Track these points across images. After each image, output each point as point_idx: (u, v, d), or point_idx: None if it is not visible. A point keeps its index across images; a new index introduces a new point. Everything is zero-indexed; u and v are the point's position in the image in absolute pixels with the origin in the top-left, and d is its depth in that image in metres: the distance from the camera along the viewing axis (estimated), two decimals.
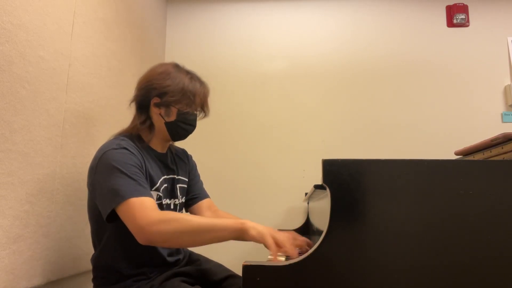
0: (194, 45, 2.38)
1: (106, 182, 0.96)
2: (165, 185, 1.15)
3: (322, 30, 2.35)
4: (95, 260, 1.11)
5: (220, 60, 2.35)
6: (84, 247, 1.35)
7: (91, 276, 1.49)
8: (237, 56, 2.35)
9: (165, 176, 1.16)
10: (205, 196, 1.33)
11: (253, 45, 2.36)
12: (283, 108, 2.27)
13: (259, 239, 0.87)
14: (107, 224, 1.02)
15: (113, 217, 0.95)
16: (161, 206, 1.11)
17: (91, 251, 1.39)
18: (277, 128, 2.26)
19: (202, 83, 1.18)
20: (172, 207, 1.18)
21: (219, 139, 2.27)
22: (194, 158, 1.42)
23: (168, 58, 2.37)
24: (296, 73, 2.31)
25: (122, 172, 0.96)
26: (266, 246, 0.87)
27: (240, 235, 0.89)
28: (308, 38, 2.34)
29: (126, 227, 0.94)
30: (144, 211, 0.90)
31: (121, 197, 0.92)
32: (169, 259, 1.12)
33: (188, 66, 2.38)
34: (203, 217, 0.97)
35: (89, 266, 1.38)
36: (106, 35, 1.54)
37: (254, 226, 0.89)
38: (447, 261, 0.74)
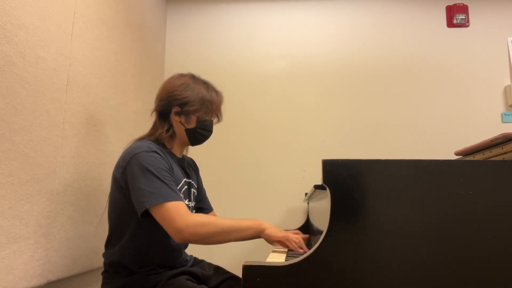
0: (194, 45, 2.39)
1: (140, 184, 1.04)
2: (185, 187, 1.24)
3: (322, 30, 2.35)
4: (109, 257, 1.15)
5: (220, 60, 2.36)
6: (84, 247, 1.35)
7: (91, 276, 1.49)
8: (237, 56, 2.35)
9: (185, 179, 1.25)
10: (211, 209, 1.48)
11: (253, 45, 2.36)
12: (283, 108, 2.27)
13: (272, 237, 1.06)
14: (130, 225, 1.12)
15: (147, 214, 1.04)
16: None
17: (91, 251, 1.39)
18: (277, 128, 2.26)
19: (217, 92, 1.29)
20: (188, 208, 1.24)
21: (219, 139, 2.27)
22: (193, 158, 1.45)
23: (168, 58, 2.37)
24: (296, 73, 2.31)
25: (155, 175, 1.04)
26: (278, 243, 1.07)
27: (259, 234, 1.07)
28: (308, 38, 2.35)
29: (149, 230, 1.08)
30: (181, 214, 1.01)
31: (155, 200, 1.01)
32: (179, 261, 1.22)
33: (188, 66, 2.38)
34: (229, 219, 1.07)
35: (89, 266, 1.39)
36: (106, 35, 1.54)
37: (268, 226, 1.08)
38: (447, 261, 0.74)
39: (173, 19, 2.43)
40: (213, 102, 1.25)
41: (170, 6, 2.45)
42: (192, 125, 1.23)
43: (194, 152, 2.18)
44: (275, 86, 2.30)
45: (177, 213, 1.01)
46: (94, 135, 1.43)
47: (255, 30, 2.38)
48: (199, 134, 1.25)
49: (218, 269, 1.31)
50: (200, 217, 1.04)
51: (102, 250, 1.45)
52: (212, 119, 1.28)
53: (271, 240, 1.09)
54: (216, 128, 2.24)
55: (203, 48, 2.38)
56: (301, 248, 1.13)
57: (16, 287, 1.01)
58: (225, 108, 2.27)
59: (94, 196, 1.41)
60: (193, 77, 1.26)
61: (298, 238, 1.12)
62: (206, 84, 1.27)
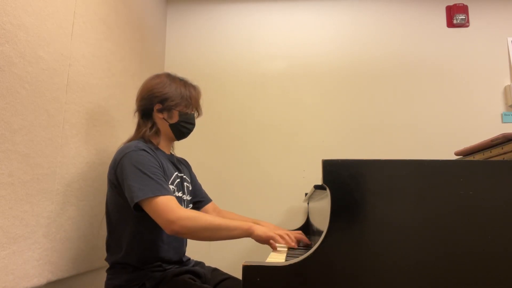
0: (194, 45, 2.38)
1: (130, 181, 1.09)
2: (178, 180, 1.29)
3: (322, 30, 2.35)
4: (113, 257, 1.18)
5: (220, 60, 2.35)
6: (84, 247, 1.35)
7: (91, 276, 1.49)
8: (237, 56, 2.35)
9: (177, 173, 1.30)
10: (210, 200, 1.52)
11: (253, 45, 2.36)
12: (283, 108, 2.27)
13: (264, 238, 1.07)
14: (130, 221, 1.15)
15: (139, 208, 1.09)
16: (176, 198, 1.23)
17: (91, 251, 1.39)
18: (277, 128, 2.25)
19: (194, 87, 1.34)
20: (182, 200, 1.29)
21: (219, 139, 2.27)
22: (194, 158, 1.47)
23: (168, 58, 2.37)
24: (296, 73, 2.31)
25: (144, 172, 1.09)
26: (271, 241, 1.08)
27: (249, 234, 1.08)
28: (308, 38, 2.34)
29: (149, 225, 1.10)
30: (172, 207, 1.05)
31: (144, 194, 1.06)
32: (182, 254, 1.29)
33: (188, 66, 2.38)
34: (219, 217, 1.11)
35: (89, 266, 1.39)
36: (106, 35, 1.54)
37: (257, 229, 1.08)
38: (447, 261, 0.74)
39: (173, 19, 2.43)
40: (192, 96, 1.31)
41: (170, 6, 2.45)
42: (175, 119, 1.28)
43: (194, 152, 2.18)
44: (275, 86, 2.30)
45: (168, 206, 1.05)
46: (94, 135, 1.43)
47: (255, 30, 2.38)
48: (183, 128, 1.30)
49: (215, 271, 1.34)
50: (191, 212, 1.08)
51: (102, 250, 1.45)
52: (193, 112, 1.34)
53: (262, 242, 1.10)
54: (216, 127, 2.26)
55: (203, 48, 2.38)
56: (297, 241, 1.15)
57: (16, 287, 1.01)
58: (225, 108, 2.29)
59: (94, 196, 1.41)
60: (169, 75, 1.32)
61: (286, 234, 1.12)
62: (183, 81, 1.33)
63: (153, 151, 1.19)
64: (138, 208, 1.09)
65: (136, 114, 1.32)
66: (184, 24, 2.42)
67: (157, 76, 1.31)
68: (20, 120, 1.02)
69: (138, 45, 1.89)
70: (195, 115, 1.36)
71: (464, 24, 2.26)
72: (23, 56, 1.03)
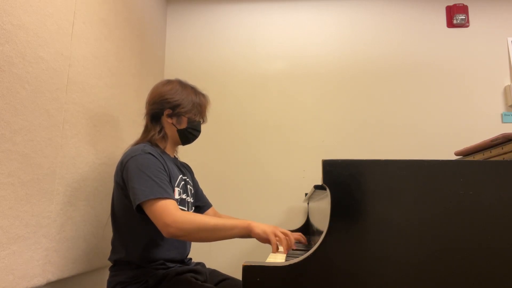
0: (194, 45, 2.38)
1: (134, 183, 1.11)
2: (182, 182, 1.31)
3: (322, 30, 2.35)
4: (117, 255, 1.20)
5: (220, 60, 2.35)
6: (84, 247, 1.35)
7: (91, 276, 1.49)
8: (237, 56, 2.35)
9: (181, 176, 1.32)
10: (210, 205, 1.55)
11: (253, 45, 2.36)
12: (283, 108, 2.27)
13: (263, 236, 1.04)
14: (136, 222, 1.17)
15: (140, 210, 1.11)
16: (181, 200, 1.27)
17: (91, 251, 1.39)
18: (277, 128, 2.26)
19: (204, 95, 1.39)
20: (186, 202, 1.32)
21: (220, 139, 2.27)
22: (194, 158, 1.48)
23: (168, 58, 2.37)
24: (296, 73, 2.31)
25: (147, 175, 1.11)
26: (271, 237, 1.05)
27: (247, 233, 1.06)
28: (308, 38, 2.35)
29: (152, 231, 1.12)
30: (170, 210, 1.06)
31: (146, 197, 1.08)
32: (186, 254, 1.31)
33: (188, 66, 2.38)
34: (216, 218, 1.11)
35: (89, 266, 1.39)
36: (106, 35, 1.54)
37: (258, 225, 1.06)
38: (447, 261, 0.74)
39: (173, 19, 2.43)
40: (202, 104, 1.35)
41: (170, 6, 2.45)
42: (183, 125, 1.32)
43: (194, 152, 2.18)
44: (275, 86, 2.30)
45: (166, 209, 1.06)
46: (94, 135, 1.43)
47: (255, 30, 2.38)
48: (190, 134, 1.34)
49: (214, 272, 1.36)
50: (188, 214, 1.08)
51: (103, 249, 1.45)
52: (200, 120, 1.38)
53: (261, 239, 1.06)
54: (216, 128, 2.26)
55: (203, 48, 2.38)
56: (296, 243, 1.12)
57: (16, 287, 1.01)
58: (225, 108, 2.29)
59: (94, 196, 1.41)
60: (180, 82, 1.35)
61: (285, 238, 1.05)
62: (194, 89, 1.36)
63: (159, 154, 1.21)
64: (141, 210, 1.10)
65: (145, 117, 1.35)
66: (184, 24, 2.42)
67: (169, 82, 1.34)
68: (20, 120, 1.02)
69: (138, 45, 1.89)
70: (201, 121, 1.39)
71: (464, 24, 2.26)
72: (23, 56, 1.03)
